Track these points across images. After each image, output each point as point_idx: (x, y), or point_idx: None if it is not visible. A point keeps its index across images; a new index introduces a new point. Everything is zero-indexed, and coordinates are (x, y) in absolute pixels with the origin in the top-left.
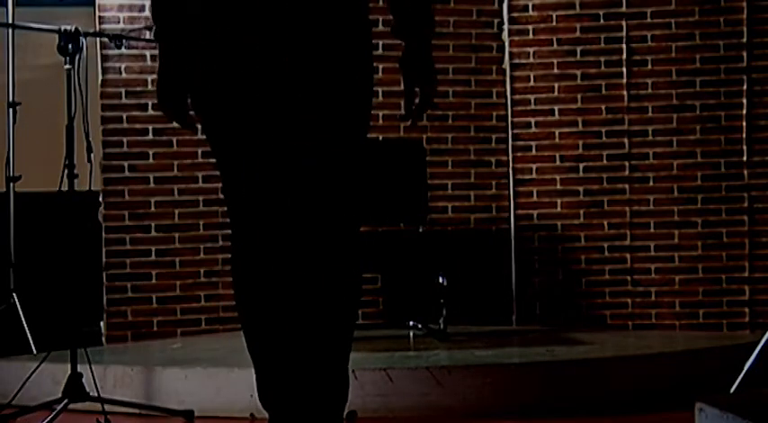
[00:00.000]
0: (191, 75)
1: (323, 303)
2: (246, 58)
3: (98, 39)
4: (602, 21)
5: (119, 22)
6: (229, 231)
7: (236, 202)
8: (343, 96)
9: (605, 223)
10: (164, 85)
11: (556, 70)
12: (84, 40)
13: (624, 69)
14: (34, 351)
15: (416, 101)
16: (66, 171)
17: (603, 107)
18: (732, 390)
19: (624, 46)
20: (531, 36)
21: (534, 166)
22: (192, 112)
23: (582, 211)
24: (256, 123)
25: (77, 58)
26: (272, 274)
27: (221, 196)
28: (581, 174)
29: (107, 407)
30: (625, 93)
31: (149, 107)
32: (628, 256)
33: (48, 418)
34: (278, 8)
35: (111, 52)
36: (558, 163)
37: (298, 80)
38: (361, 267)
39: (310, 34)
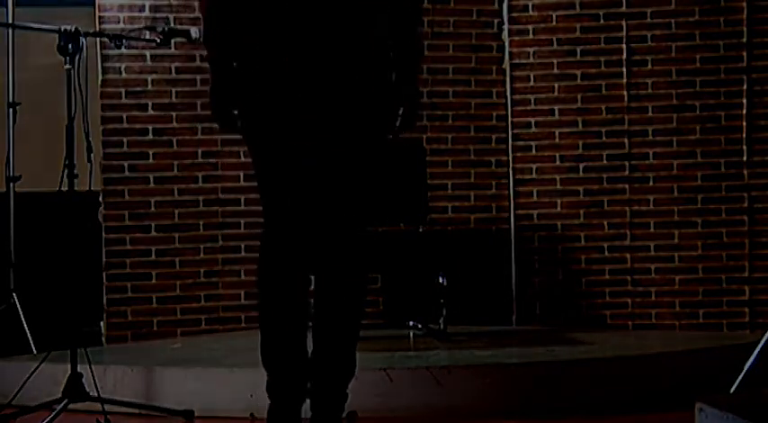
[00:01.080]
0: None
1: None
2: (245, 58)
3: (98, 39)
4: (602, 21)
5: (119, 22)
6: (230, 231)
7: (262, 197)
8: (345, 97)
9: (605, 223)
10: (217, 101)
11: (556, 70)
12: (84, 40)
13: (624, 69)
14: (34, 351)
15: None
16: (66, 171)
17: (603, 107)
18: (732, 390)
19: (624, 46)
20: (531, 36)
21: (534, 166)
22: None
23: (582, 211)
24: (264, 123)
25: (77, 58)
26: (287, 266)
27: (221, 196)
28: (581, 174)
29: (107, 407)
30: (625, 93)
31: (149, 107)
32: (628, 256)
33: (48, 418)
34: (277, 8)
35: (111, 52)
36: (558, 163)
37: (297, 80)
38: (367, 264)
39: (310, 35)
